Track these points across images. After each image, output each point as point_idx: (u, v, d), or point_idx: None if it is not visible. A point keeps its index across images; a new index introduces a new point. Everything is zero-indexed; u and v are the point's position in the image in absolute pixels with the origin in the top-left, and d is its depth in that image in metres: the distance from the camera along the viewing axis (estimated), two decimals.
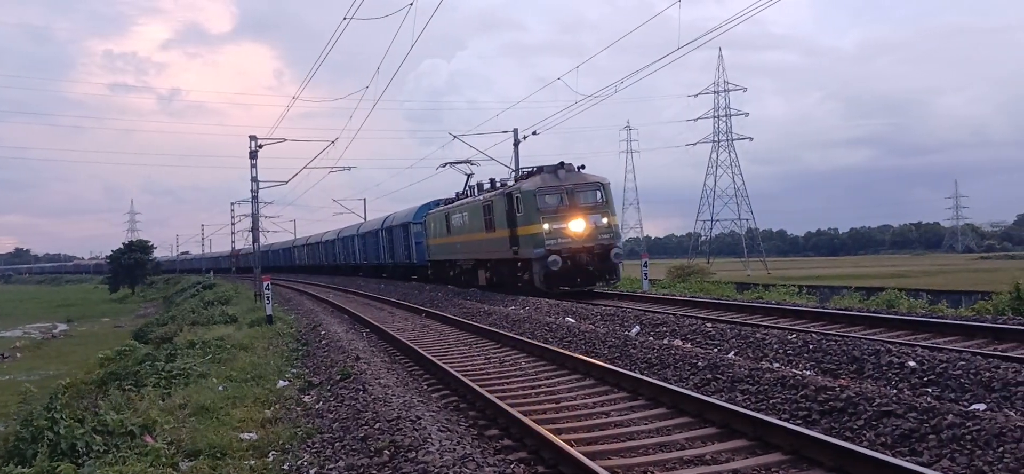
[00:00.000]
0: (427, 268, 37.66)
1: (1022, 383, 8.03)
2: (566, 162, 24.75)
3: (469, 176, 35.08)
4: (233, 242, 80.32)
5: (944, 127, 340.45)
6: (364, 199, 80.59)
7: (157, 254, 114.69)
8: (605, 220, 24.01)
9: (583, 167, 24.94)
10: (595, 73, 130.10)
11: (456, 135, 44.49)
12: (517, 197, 24.52)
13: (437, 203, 37.33)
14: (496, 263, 27.68)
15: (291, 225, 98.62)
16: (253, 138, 32.66)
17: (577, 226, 23.62)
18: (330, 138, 69.85)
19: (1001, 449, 6.23)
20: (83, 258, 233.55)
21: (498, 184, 29.09)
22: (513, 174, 31.05)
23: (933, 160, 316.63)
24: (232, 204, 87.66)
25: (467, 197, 32.03)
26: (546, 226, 23.44)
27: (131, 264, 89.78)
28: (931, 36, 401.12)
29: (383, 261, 47.75)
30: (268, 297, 23.71)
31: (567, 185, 23.98)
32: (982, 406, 7.67)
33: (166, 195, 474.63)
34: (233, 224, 77.80)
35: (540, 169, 25.11)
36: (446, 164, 35.89)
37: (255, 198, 34.65)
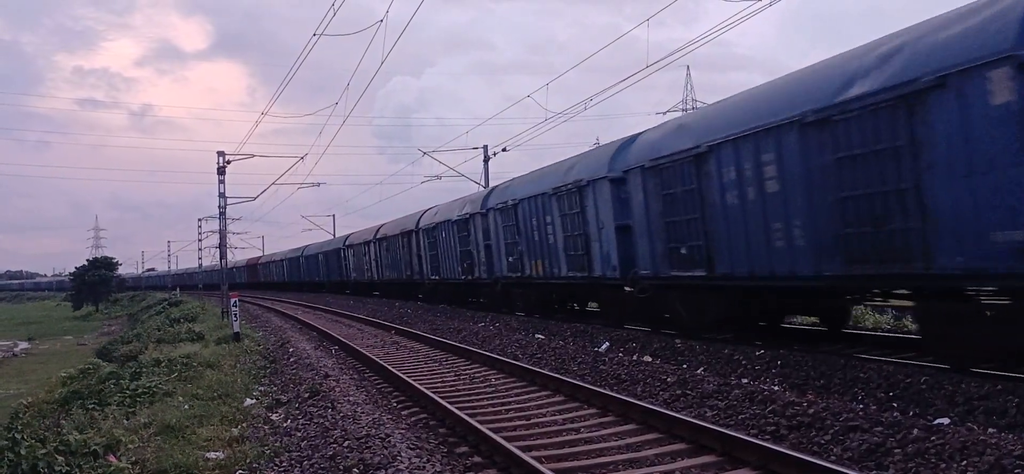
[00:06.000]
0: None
1: (985, 397, 8.15)
2: None
3: None
4: (200, 258, 79.76)
5: None
6: (333, 215, 79.66)
7: (122, 271, 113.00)
8: None
9: None
10: (564, 91, 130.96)
11: (426, 151, 42.90)
12: None
13: None
14: None
15: (259, 241, 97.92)
16: (221, 154, 32.44)
17: None
18: (300, 154, 69.40)
19: (965, 462, 6.32)
20: (46, 275, 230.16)
21: None
22: None
23: None
24: (199, 220, 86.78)
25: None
26: None
27: (95, 281, 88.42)
28: None
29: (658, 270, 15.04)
30: (235, 315, 23.49)
31: None
32: (946, 420, 7.78)
33: (133, 211, 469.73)
34: (200, 240, 77.22)
35: None
36: None
37: (222, 214, 34.37)
